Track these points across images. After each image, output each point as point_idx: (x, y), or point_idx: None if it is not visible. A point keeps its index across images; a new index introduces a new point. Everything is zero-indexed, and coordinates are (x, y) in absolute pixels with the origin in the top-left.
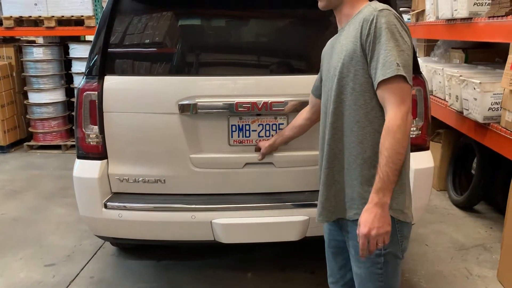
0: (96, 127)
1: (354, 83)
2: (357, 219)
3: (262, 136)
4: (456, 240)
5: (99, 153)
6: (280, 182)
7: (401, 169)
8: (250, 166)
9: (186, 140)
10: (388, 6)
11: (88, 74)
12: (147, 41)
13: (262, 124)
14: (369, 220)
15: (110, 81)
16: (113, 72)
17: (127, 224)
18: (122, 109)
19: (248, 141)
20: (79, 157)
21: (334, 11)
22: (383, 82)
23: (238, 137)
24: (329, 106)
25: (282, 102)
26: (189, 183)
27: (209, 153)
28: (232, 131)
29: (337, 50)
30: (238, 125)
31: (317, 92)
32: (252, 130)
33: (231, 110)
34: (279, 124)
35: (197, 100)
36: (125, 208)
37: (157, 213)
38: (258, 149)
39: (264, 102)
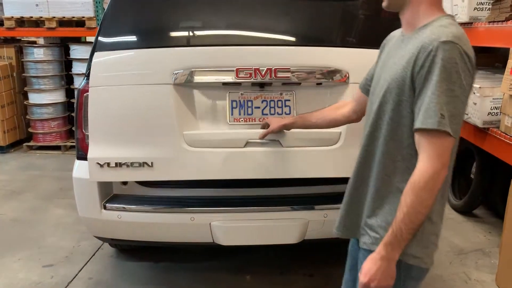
0: None
1: (394, 113)
2: (365, 249)
3: (266, 114)
4: (455, 245)
5: None
6: (288, 165)
7: (419, 228)
8: (253, 145)
9: (179, 115)
10: (459, 34)
11: (89, 75)
12: (143, 18)
13: (266, 101)
14: (371, 271)
15: (98, 56)
16: (103, 49)
17: (126, 225)
18: (109, 83)
19: (251, 119)
20: (78, 158)
21: (399, 14)
22: (422, 129)
23: (239, 114)
24: (367, 125)
25: (288, 69)
26: (182, 167)
27: (206, 130)
28: (232, 108)
29: (389, 65)
30: (239, 101)
31: (365, 88)
32: (255, 107)
33: (231, 77)
34: (285, 100)
35: (193, 69)
36: (124, 209)
37: (156, 214)
38: (266, 126)
39: (268, 69)
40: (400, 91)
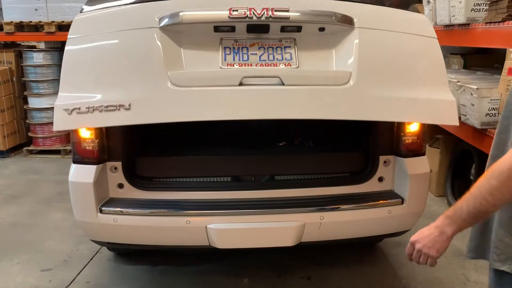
0: (92, 131)
1: None
2: (495, 269)
3: (265, 60)
4: (454, 246)
5: (94, 157)
6: (290, 104)
7: (482, 216)
8: (249, 84)
9: (164, 56)
10: None
11: None
12: None
13: (264, 47)
14: (423, 234)
15: (80, 15)
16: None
17: (122, 229)
18: (89, 32)
19: (246, 64)
20: (74, 162)
21: None
22: None
23: (233, 60)
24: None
25: (287, 9)
26: (164, 107)
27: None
28: (225, 54)
29: None
30: (233, 47)
31: None
32: (251, 53)
33: (224, 18)
34: (284, 47)
35: (182, 11)
36: (120, 213)
37: (152, 218)
38: None
39: (264, 8)
40: None
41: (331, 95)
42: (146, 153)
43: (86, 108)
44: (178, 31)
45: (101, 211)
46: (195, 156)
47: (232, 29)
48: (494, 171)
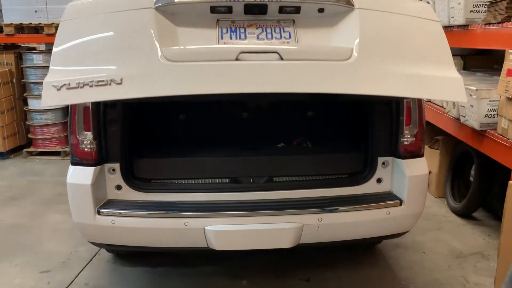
0: (90, 133)
1: None
2: None
3: (263, 39)
4: (453, 248)
5: (92, 159)
6: (289, 78)
7: None
8: (247, 59)
9: (159, 35)
10: None
11: None
12: None
13: (262, 28)
14: None
15: (74, 2)
16: None
17: (120, 231)
18: (83, 15)
19: (244, 43)
20: (72, 163)
21: None
22: None
23: (230, 39)
24: None
25: None
26: (158, 82)
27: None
28: (222, 33)
29: None
30: (231, 28)
31: None
32: (249, 33)
33: (220, 0)
34: (283, 28)
35: None
36: (118, 215)
37: (150, 219)
38: None
39: None
40: None
41: (332, 69)
42: (144, 155)
43: (76, 83)
44: (174, 12)
45: (99, 213)
46: (193, 157)
47: (229, 9)
48: None
